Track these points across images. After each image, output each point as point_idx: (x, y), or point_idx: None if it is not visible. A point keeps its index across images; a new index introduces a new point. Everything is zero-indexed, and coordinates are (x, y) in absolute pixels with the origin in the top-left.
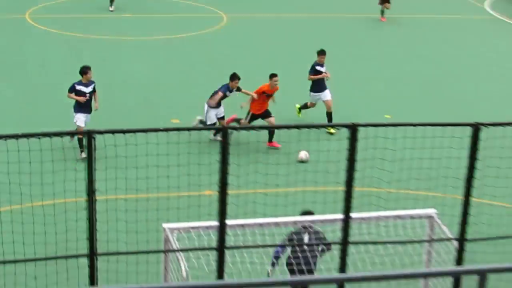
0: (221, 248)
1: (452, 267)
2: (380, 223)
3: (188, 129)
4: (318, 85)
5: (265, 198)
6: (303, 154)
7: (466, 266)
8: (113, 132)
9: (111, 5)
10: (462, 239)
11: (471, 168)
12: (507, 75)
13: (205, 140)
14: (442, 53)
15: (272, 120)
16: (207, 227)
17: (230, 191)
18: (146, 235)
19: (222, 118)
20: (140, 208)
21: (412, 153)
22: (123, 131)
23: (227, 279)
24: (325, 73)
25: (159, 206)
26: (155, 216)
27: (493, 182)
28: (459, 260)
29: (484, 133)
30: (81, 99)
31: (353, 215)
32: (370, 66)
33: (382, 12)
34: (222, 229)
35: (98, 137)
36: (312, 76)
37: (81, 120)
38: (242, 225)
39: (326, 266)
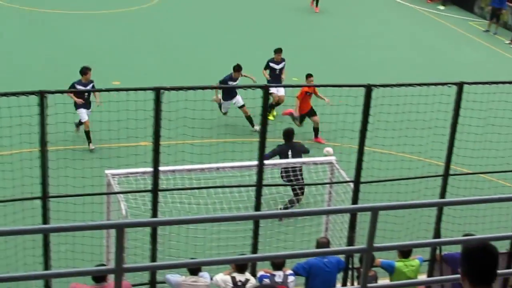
0: (155, 190)
1: (349, 205)
2: (288, 169)
3: (126, 89)
4: (273, 81)
5: (192, 148)
6: (329, 149)
7: (360, 204)
8: (62, 92)
9: None
10: (357, 182)
11: (365, 122)
12: (394, 45)
13: (141, 98)
14: (343, 27)
15: (317, 119)
16: (143, 173)
17: (162, 142)
18: (91, 180)
19: (242, 106)
20: (86, 157)
21: (315, 110)
22: (71, 91)
23: (162, 217)
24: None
25: (102, 155)
26: (99, 164)
27: (383, 134)
28: (355, 199)
29: (375, 92)
30: (79, 101)
31: (266, 161)
32: (275, 35)
33: (317, 2)
34: (155, 174)
35: (50, 96)
36: (264, 72)
37: (84, 114)
38: (173, 171)
39: (244, 205)
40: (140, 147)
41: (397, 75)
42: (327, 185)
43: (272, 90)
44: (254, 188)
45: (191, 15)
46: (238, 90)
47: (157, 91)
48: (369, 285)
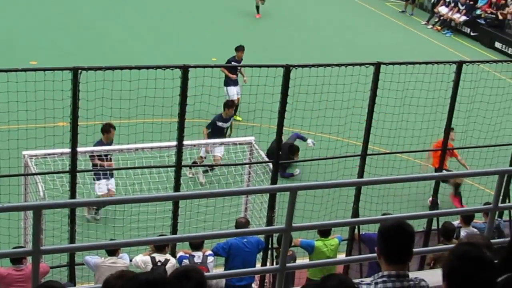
0: (73, 171)
1: (268, 185)
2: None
3: (43, 69)
4: (232, 80)
5: None
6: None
7: (282, 185)
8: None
9: None
10: (276, 162)
11: (283, 102)
12: (312, 26)
13: (58, 79)
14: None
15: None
16: (61, 154)
17: (80, 123)
18: (8, 161)
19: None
20: (2, 138)
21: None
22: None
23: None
24: (240, 74)
25: (19, 136)
26: (16, 145)
27: (301, 114)
28: (274, 179)
29: (293, 73)
30: (108, 163)
31: (185, 142)
32: (199, 16)
33: (258, 8)
34: (73, 155)
35: None
36: (227, 74)
37: (103, 187)
38: (91, 152)
39: (163, 185)
40: (58, 127)
41: (316, 55)
42: (247, 166)
43: (233, 94)
44: (173, 168)
45: None
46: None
47: (75, 71)
48: (287, 264)
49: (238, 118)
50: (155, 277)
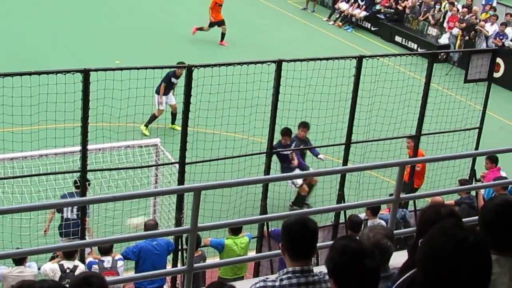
0: None
1: (175, 186)
2: (113, 153)
3: None
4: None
5: (13, 136)
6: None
7: (186, 185)
8: None
9: None
10: (182, 163)
11: (187, 102)
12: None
13: None
14: (161, 9)
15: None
16: None
17: None
18: None
19: None
20: None
21: (139, 92)
22: None
23: None
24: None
25: None
26: None
27: (205, 114)
28: (181, 180)
29: (195, 73)
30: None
31: (89, 147)
32: (99, 18)
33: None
34: None
35: None
36: (161, 88)
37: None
38: None
39: (69, 191)
40: None
41: (219, 54)
42: (153, 168)
43: (161, 102)
44: (78, 174)
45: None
46: None
47: None
48: (195, 265)
49: (176, 127)
50: (49, 285)
